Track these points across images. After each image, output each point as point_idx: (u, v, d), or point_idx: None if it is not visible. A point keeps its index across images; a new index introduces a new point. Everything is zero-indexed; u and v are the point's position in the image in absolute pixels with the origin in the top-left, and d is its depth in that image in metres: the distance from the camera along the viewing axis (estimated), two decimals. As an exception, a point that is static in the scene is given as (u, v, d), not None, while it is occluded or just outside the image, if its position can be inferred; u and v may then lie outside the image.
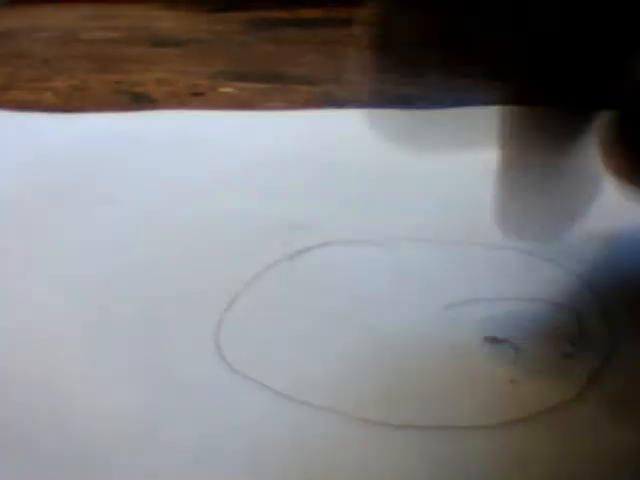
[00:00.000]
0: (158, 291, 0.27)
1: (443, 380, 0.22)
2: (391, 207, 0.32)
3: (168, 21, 0.64)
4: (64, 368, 0.23)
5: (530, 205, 0.23)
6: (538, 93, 0.21)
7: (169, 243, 0.30)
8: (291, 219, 0.31)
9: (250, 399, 0.22)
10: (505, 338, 0.24)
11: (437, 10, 0.21)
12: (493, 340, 0.24)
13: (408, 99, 0.44)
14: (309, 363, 0.23)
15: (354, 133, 0.39)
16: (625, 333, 0.23)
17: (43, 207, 0.33)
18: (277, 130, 0.40)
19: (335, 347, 0.24)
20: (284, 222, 0.30)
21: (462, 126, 0.39)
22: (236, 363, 0.23)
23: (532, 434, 0.20)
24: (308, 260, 0.28)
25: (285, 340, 0.24)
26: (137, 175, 0.35)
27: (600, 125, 0.22)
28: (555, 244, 0.28)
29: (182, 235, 0.30)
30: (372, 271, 0.27)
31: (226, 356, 0.24)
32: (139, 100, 0.46)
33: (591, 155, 0.22)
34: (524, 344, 0.23)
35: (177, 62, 0.54)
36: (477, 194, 0.32)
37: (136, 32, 0.61)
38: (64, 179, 0.35)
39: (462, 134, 0.38)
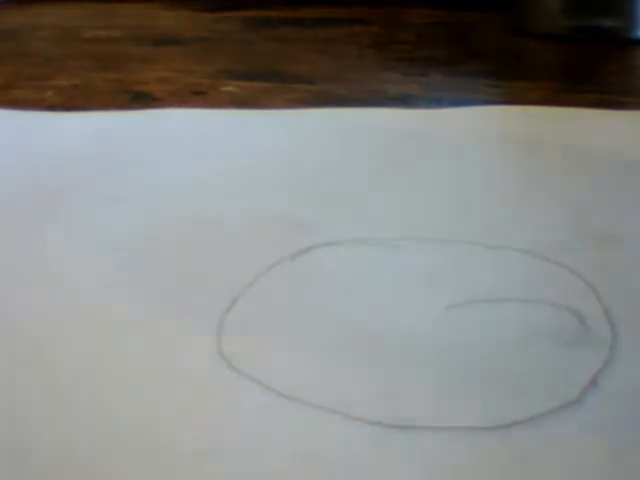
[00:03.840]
0: (158, 291, 0.27)
1: (443, 381, 0.22)
2: (391, 207, 0.32)
3: (169, 20, 0.65)
4: (64, 368, 0.23)
5: None
6: None
7: (169, 243, 0.30)
8: (292, 219, 0.31)
9: (250, 399, 0.22)
10: (506, 339, 0.24)
11: None
12: (493, 341, 0.23)
13: (409, 98, 0.44)
14: (309, 363, 0.23)
15: (355, 132, 0.39)
16: (627, 334, 0.23)
17: (44, 206, 0.33)
18: (278, 129, 0.40)
19: (335, 347, 0.24)
20: (285, 222, 0.30)
21: (463, 125, 0.39)
22: (236, 363, 0.23)
23: (532, 436, 0.20)
24: (309, 260, 0.28)
25: (285, 340, 0.24)
26: (138, 174, 0.35)
27: None
28: (556, 244, 0.28)
29: (182, 235, 0.30)
30: (372, 271, 0.27)
31: (227, 356, 0.24)
32: (140, 99, 0.46)
33: None
34: (525, 346, 0.23)
35: (178, 61, 0.54)
36: (478, 193, 0.32)
37: (137, 31, 0.61)
38: (65, 178, 0.35)
39: (463, 133, 0.38)
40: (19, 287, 0.27)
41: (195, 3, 0.68)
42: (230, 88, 0.48)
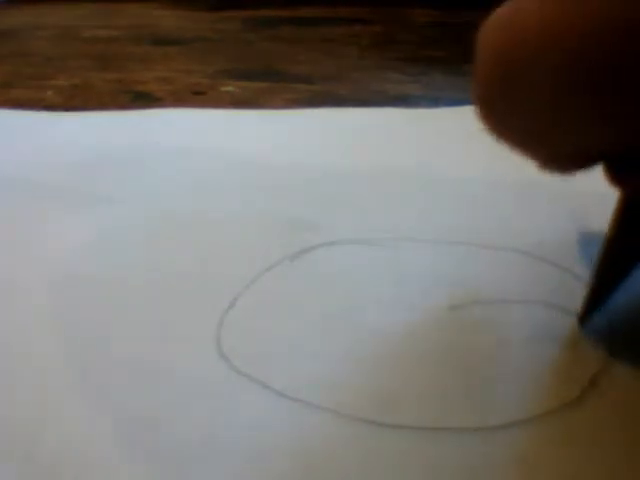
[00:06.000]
0: (159, 291, 0.27)
1: (443, 381, 0.22)
2: (391, 207, 0.32)
3: (169, 20, 0.65)
4: (63, 366, 0.23)
5: None
6: None
7: (169, 243, 0.30)
8: (292, 219, 0.31)
9: (250, 399, 0.22)
10: (506, 340, 0.24)
11: None
12: (493, 341, 0.23)
13: (409, 98, 0.44)
14: (309, 363, 0.23)
15: (354, 132, 0.39)
16: (626, 335, 0.23)
17: (43, 206, 0.33)
18: (278, 129, 0.40)
19: (335, 347, 0.24)
20: (285, 222, 0.30)
21: (463, 125, 0.39)
22: (236, 362, 0.23)
23: (532, 436, 0.20)
24: (308, 260, 0.28)
25: (285, 340, 0.24)
26: (137, 174, 0.35)
27: None
28: (556, 245, 0.28)
29: (182, 235, 0.30)
30: (372, 271, 0.27)
31: (227, 356, 0.24)
32: (140, 98, 0.46)
33: None
34: (525, 346, 0.23)
35: (178, 61, 0.54)
36: (478, 194, 0.32)
37: (137, 31, 0.61)
38: (65, 178, 0.35)
39: (463, 133, 0.38)
40: (19, 286, 0.27)
41: (195, 3, 0.68)
42: (230, 88, 0.48)
